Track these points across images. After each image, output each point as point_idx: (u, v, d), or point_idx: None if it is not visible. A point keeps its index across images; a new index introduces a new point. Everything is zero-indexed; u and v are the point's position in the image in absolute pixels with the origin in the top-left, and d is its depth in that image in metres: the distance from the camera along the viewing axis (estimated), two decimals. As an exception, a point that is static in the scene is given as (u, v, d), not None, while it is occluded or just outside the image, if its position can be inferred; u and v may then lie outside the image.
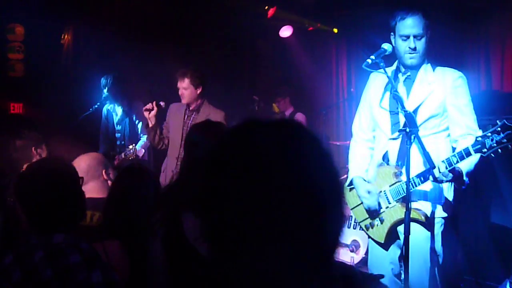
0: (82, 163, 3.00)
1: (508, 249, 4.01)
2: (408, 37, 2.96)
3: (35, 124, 5.68)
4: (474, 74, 6.03)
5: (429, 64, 3.06)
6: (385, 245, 3.12)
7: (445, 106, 2.98)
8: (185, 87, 4.66)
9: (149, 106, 4.59)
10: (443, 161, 2.73)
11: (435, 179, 2.77)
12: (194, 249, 2.32)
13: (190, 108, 4.72)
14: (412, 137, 2.77)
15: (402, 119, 2.97)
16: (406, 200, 2.76)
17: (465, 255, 4.08)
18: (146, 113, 4.60)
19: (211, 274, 0.94)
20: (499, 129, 2.63)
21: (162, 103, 4.69)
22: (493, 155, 2.65)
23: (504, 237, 4.12)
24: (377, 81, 3.19)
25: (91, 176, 3.01)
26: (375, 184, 3.10)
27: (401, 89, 3.04)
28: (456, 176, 2.75)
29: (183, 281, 2.34)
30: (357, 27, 6.92)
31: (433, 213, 2.98)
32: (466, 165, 2.77)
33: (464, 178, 2.80)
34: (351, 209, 3.29)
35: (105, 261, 2.37)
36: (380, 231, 3.10)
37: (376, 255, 3.19)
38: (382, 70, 2.96)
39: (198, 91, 4.68)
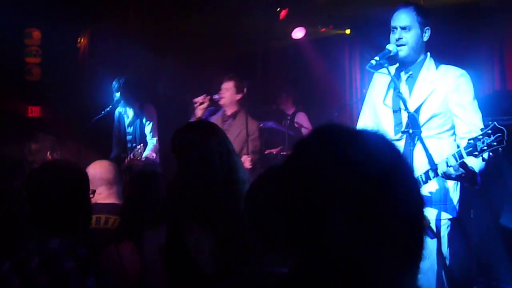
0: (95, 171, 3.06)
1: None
2: (396, 28, 2.96)
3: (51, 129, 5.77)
4: (488, 75, 5.98)
5: (432, 62, 3.02)
6: None
7: (447, 105, 2.93)
8: (228, 88, 4.78)
9: (201, 98, 4.64)
10: (453, 155, 2.65)
11: (444, 174, 2.70)
12: (195, 262, 2.28)
13: (227, 114, 4.81)
14: (416, 138, 2.75)
15: (404, 119, 2.95)
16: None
17: (477, 257, 4.02)
18: (196, 105, 4.64)
19: None
20: (489, 131, 2.56)
21: (216, 97, 4.77)
22: (486, 158, 2.59)
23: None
24: (380, 80, 3.17)
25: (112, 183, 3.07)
26: None
27: (404, 88, 3.00)
28: (469, 175, 2.69)
29: None
30: (370, 28, 6.88)
31: (439, 215, 2.94)
32: (478, 164, 2.71)
33: (478, 177, 2.74)
34: None
35: (118, 262, 2.44)
36: None
37: None
38: (386, 71, 2.95)
39: (237, 97, 4.79)
